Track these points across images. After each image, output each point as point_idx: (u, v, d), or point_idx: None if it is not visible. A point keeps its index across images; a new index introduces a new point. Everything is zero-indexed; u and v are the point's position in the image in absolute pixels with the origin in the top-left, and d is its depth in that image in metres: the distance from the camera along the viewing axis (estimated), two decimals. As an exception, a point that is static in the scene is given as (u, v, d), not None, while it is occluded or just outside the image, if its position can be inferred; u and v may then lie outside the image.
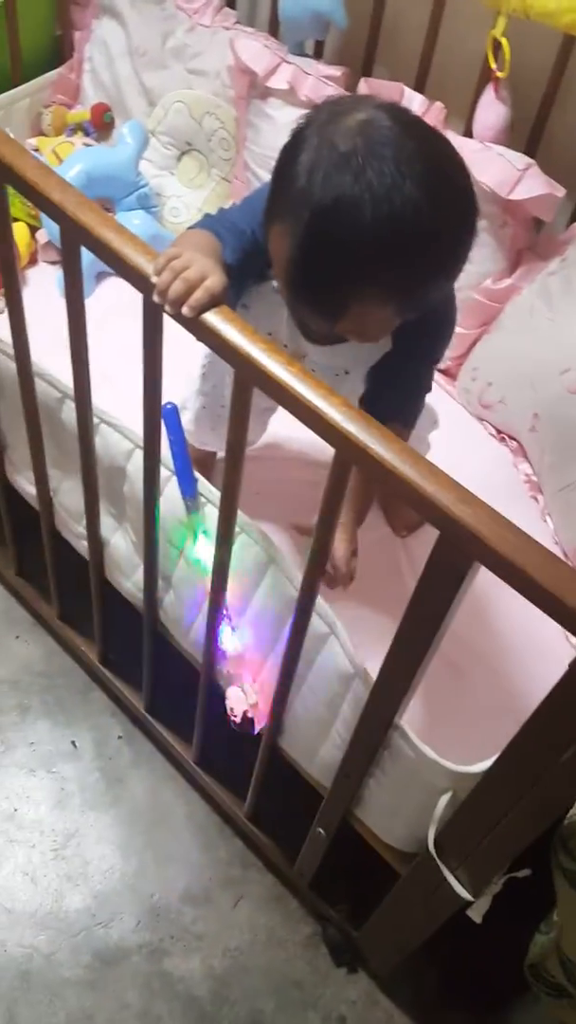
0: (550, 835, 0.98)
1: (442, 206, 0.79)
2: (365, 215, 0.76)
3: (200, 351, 1.21)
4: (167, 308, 0.74)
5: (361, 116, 0.79)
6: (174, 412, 1.08)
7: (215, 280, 0.75)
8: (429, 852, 0.93)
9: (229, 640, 1.10)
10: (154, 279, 0.74)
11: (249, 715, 1.10)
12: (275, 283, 1.03)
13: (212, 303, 0.73)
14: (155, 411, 0.89)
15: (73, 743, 1.52)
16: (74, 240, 0.81)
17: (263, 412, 1.25)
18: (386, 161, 0.76)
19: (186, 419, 1.28)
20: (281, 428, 1.30)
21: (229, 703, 1.11)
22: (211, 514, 1.04)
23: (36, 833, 1.43)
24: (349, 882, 1.32)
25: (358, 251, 0.78)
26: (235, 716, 1.10)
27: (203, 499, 1.07)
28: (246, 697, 1.10)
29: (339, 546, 0.98)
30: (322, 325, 0.88)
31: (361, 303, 0.81)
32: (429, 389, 1.09)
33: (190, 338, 0.76)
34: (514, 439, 1.50)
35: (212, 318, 0.72)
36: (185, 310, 0.72)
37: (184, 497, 1.08)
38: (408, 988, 1.33)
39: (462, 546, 0.64)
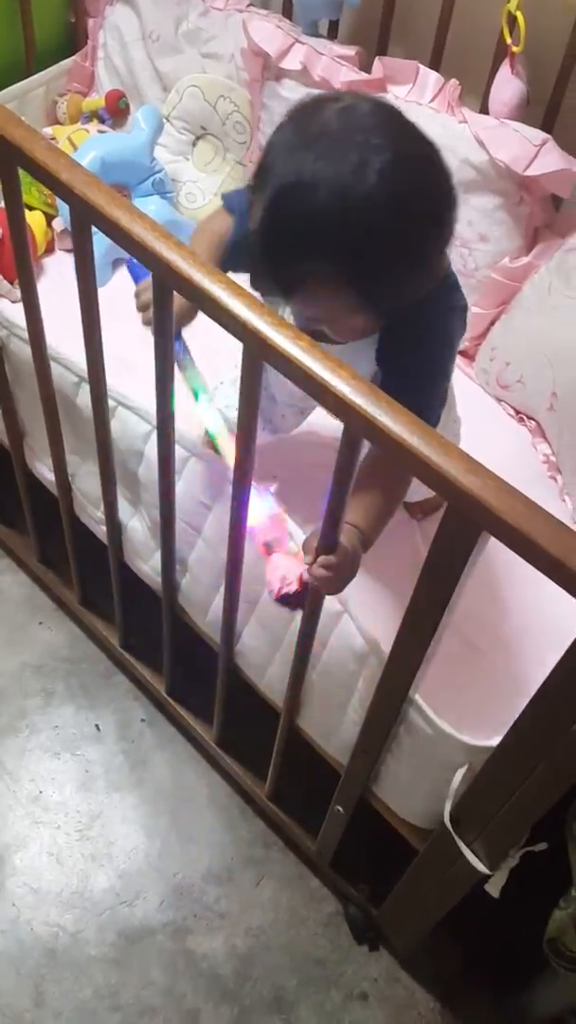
0: (565, 809, 0.98)
1: (402, 200, 0.79)
2: (320, 193, 0.78)
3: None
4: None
5: (342, 104, 0.81)
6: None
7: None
8: (445, 826, 0.93)
9: (263, 506, 0.97)
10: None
11: (305, 578, 0.93)
12: None
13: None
14: (166, 387, 0.90)
15: (97, 726, 1.54)
16: (84, 220, 0.81)
17: (302, 413, 1.26)
18: (353, 146, 0.78)
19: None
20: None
21: (279, 573, 0.94)
22: (203, 370, 1.02)
23: (61, 815, 1.45)
24: (370, 861, 1.33)
25: (311, 226, 0.79)
26: (289, 585, 0.94)
27: (192, 357, 1.02)
28: (297, 560, 0.93)
29: (312, 537, 0.86)
30: (282, 301, 0.89)
31: (314, 279, 0.82)
32: (442, 405, 1.00)
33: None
34: (532, 419, 1.49)
35: (220, 293, 0.72)
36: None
37: (176, 354, 0.98)
38: (429, 965, 1.34)
39: (470, 516, 0.64)
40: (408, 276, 0.85)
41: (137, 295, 0.98)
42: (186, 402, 1.00)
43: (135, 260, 0.92)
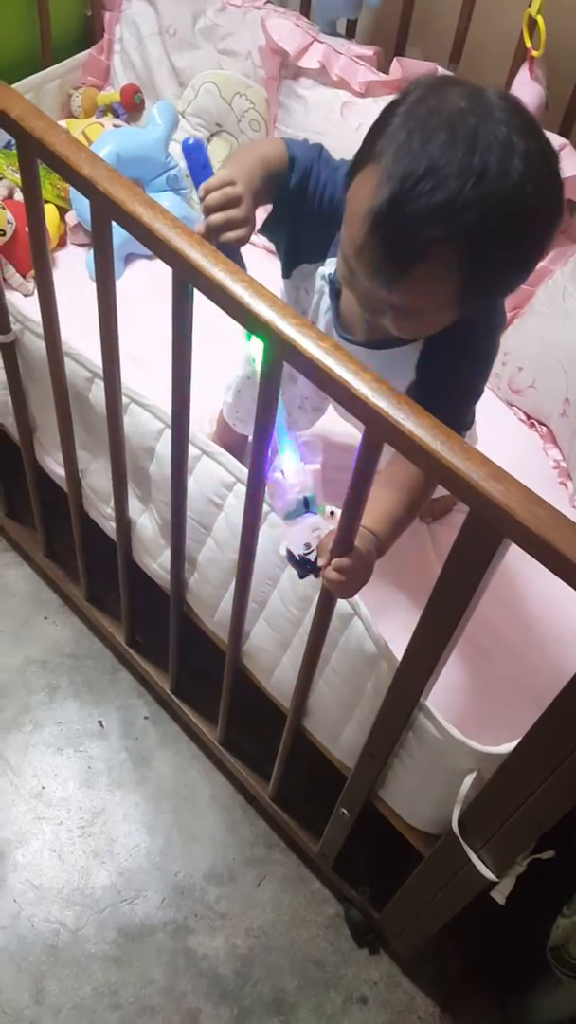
0: (575, 817, 0.97)
1: (542, 195, 0.78)
2: (463, 177, 0.74)
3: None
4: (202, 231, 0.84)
5: (467, 88, 0.79)
6: (198, 147, 0.91)
7: (245, 232, 0.85)
8: (453, 833, 0.93)
9: (311, 458, 0.91)
10: (202, 194, 0.85)
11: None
12: (323, 271, 1.01)
13: (238, 245, 0.85)
14: (183, 385, 0.89)
15: (100, 723, 1.53)
16: (104, 214, 0.81)
17: (314, 412, 1.25)
18: (501, 125, 0.76)
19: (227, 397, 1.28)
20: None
21: (316, 533, 0.88)
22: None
23: (63, 811, 1.44)
24: (372, 863, 1.33)
25: (453, 202, 0.75)
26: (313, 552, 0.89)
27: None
28: (330, 522, 0.88)
29: (327, 538, 0.86)
30: (378, 288, 0.83)
31: (437, 263, 0.78)
32: (467, 428, 1.00)
33: (226, 324, 0.76)
34: (544, 425, 1.49)
35: (242, 292, 0.72)
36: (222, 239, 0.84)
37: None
38: (430, 970, 1.33)
39: (492, 522, 0.63)
40: (511, 272, 0.84)
41: (202, 197, 0.87)
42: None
43: (194, 143, 0.89)
